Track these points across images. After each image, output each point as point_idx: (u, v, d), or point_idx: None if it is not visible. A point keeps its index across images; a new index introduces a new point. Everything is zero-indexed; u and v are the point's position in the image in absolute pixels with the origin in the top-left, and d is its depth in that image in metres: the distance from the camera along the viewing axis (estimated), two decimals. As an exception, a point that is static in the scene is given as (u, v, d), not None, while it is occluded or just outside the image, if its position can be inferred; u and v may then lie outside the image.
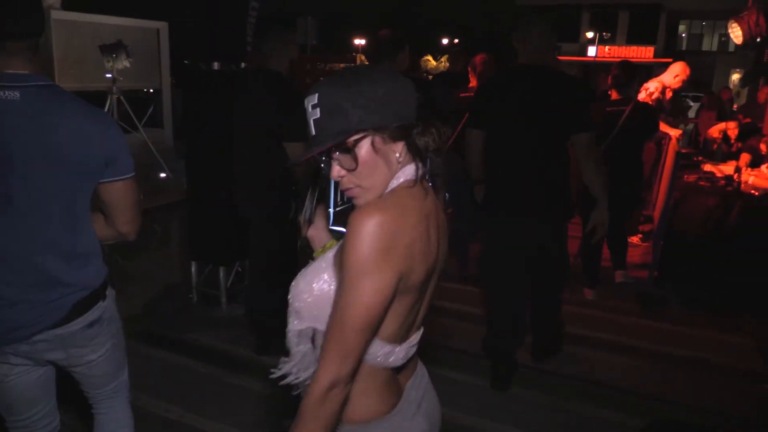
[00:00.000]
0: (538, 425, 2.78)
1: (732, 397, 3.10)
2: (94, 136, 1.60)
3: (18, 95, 1.51)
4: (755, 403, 3.08)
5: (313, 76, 10.07)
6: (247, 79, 3.17)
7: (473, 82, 4.38)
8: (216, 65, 3.58)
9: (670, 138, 5.17)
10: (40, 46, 1.62)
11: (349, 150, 1.08)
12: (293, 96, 2.87)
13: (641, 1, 29.37)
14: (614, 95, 4.15)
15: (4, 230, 1.57)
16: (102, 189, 1.67)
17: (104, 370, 1.87)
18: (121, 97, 7.17)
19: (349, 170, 1.10)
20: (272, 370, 1.25)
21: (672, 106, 5.81)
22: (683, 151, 4.73)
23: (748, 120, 6.52)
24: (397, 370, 1.23)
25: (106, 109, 7.08)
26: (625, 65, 4.18)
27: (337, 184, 1.14)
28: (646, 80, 5.70)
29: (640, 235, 5.54)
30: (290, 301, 1.21)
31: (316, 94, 1.07)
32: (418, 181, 1.12)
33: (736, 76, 26.39)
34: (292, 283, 1.22)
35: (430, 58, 26.77)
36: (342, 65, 11.06)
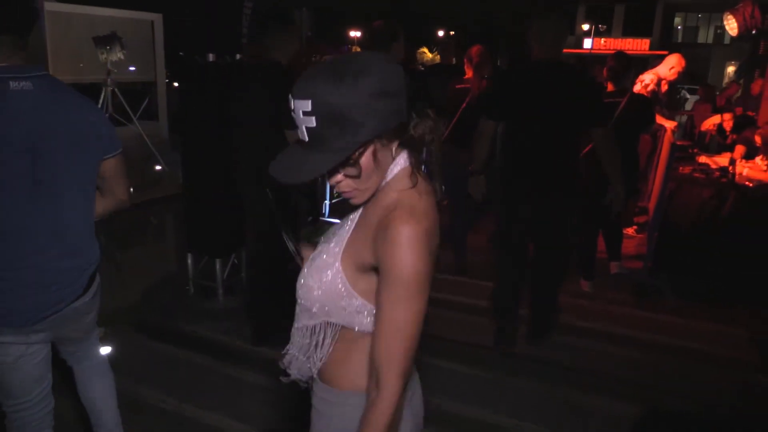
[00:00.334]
0: (534, 414, 2.80)
1: (725, 387, 3.13)
2: (95, 118, 1.79)
3: (30, 85, 1.63)
4: (748, 393, 3.11)
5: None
6: (248, 72, 3.19)
7: (469, 74, 4.37)
8: (211, 57, 3.57)
9: (665, 130, 5.18)
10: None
11: (355, 162, 1.06)
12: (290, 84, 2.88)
13: (637, -6, 29.38)
14: (610, 87, 4.15)
15: (36, 212, 1.67)
16: (104, 165, 1.84)
17: (89, 328, 2.04)
18: (116, 90, 7.13)
19: (350, 177, 1.08)
20: (285, 372, 1.30)
21: (668, 99, 5.82)
22: (678, 143, 4.73)
23: (740, 110, 6.54)
24: None
25: (100, 101, 7.05)
26: (621, 56, 4.18)
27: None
28: (642, 72, 5.71)
29: (635, 227, 5.56)
30: (299, 299, 1.22)
31: (309, 101, 0.98)
32: (414, 169, 1.12)
33: (731, 69, 26.43)
34: (299, 281, 1.22)
35: (425, 50, 26.72)
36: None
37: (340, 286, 1.14)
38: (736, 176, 4.46)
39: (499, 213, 3.44)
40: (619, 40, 30.44)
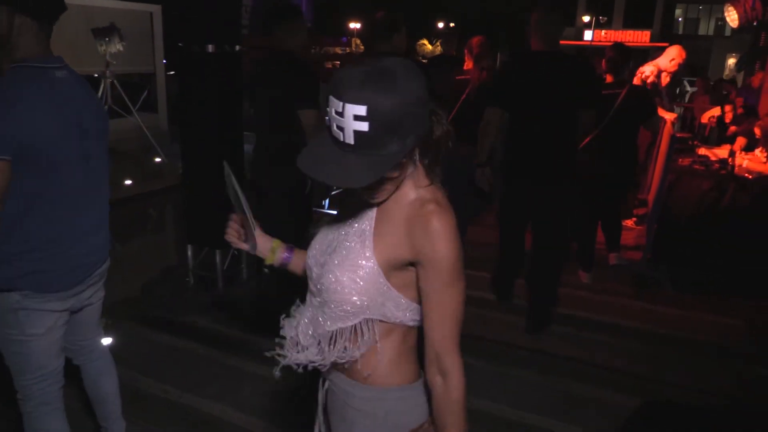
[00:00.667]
0: (534, 405, 2.82)
1: (724, 378, 3.15)
2: (99, 100, 2.05)
3: (67, 73, 1.83)
4: (747, 383, 3.13)
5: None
6: (267, 63, 3.26)
7: (469, 65, 4.37)
8: (210, 48, 3.56)
9: (665, 122, 5.18)
10: None
11: (400, 166, 1.11)
12: (305, 68, 3.13)
13: (638, -15, 29.26)
14: (609, 78, 4.15)
15: (87, 185, 1.90)
16: None
17: (99, 311, 2.18)
18: (115, 81, 7.12)
19: (391, 181, 1.13)
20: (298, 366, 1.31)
21: (669, 90, 5.81)
22: (678, 135, 4.73)
23: (740, 101, 6.53)
24: None
25: (99, 93, 7.04)
26: (619, 47, 4.17)
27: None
28: (642, 64, 5.70)
29: (634, 219, 5.57)
30: (329, 303, 1.20)
31: (365, 107, 0.99)
32: (426, 167, 1.17)
33: (732, 61, 26.36)
34: (326, 287, 1.21)
35: (425, 42, 26.62)
36: (337, 49, 10.98)
37: (380, 282, 1.17)
38: (736, 168, 4.47)
39: (500, 198, 3.59)
40: (620, 31, 30.34)
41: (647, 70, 5.42)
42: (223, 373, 3.02)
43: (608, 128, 3.98)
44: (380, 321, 1.21)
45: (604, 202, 4.28)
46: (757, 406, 2.95)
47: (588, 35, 30.58)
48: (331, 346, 1.23)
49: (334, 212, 1.33)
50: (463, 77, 4.35)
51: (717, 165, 4.59)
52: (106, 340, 3.20)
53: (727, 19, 7.11)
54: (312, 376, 1.36)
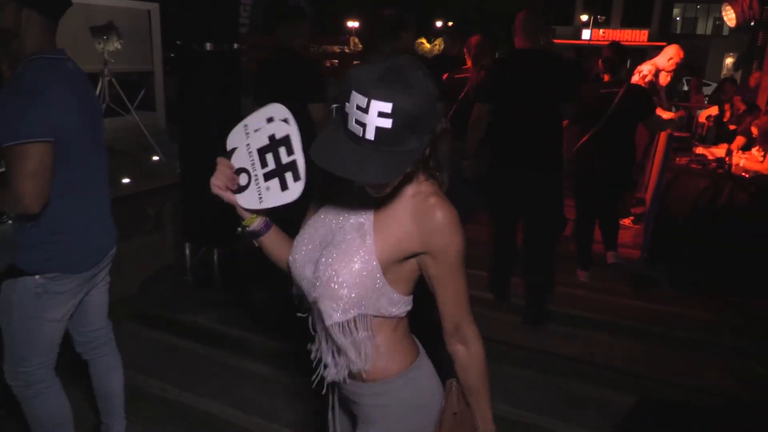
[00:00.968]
0: (532, 404, 2.82)
1: (721, 376, 3.16)
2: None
3: (73, 65, 1.90)
4: (744, 381, 3.14)
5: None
6: (272, 62, 3.39)
7: (468, 63, 4.38)
8: (209, 46, 3.55)
9: (676, 121, 5.18)
10: None
11: (414, 162, 1.13)
12: (311, 65, 3.37)
13: (636, -16, 29.27)
14: (606, 77, 4.16)
15: (100, 167, 2.01)
16: None
17: (106, 298, 2.23)
18: (113, 80, 7.10)
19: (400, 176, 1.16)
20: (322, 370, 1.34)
21: (668, 90, 5.81)
22: (675, 134, 4.74)
23: (738, 98, 6.53)
24: None
25: (97, 91, 7.02)
26: (615, 46, 4.18)
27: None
28: (640, 63, 5.71)
29: (632, 217, 5.58)
30: (323, 299, 1.21)
31: (391, 104, 1.00)
32: (422, 162, 1.20)
33: (729, 60, 26.39)
34: (324, 283, 1.20)
35: (423, 41, 26.59)
36: (336, 48, 10.95)
37: (377, 277, 1.20)
38: (733, 167, 4.48)
39: (488, 189, 3.70)
40: (618, 31, 30.35)
41: (645, 69, 5.43)
42: (222, 372, 3.02)
43: (606, 127, 3.99)
44: (374, 316, 1.24)
45: (602, 201, 4.29)
46: (756, 404, 2.96)
47: (586, 34, 30.59)
48: (340, 342, 1.24)
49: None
50: (462, 75, 4.36)
51: (714, 164, 4.60)
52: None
53: (725, 18, 7.13)
54: (310, 375, 1.36)
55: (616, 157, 4.09)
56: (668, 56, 5.40)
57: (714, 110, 6.72)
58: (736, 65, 13.95)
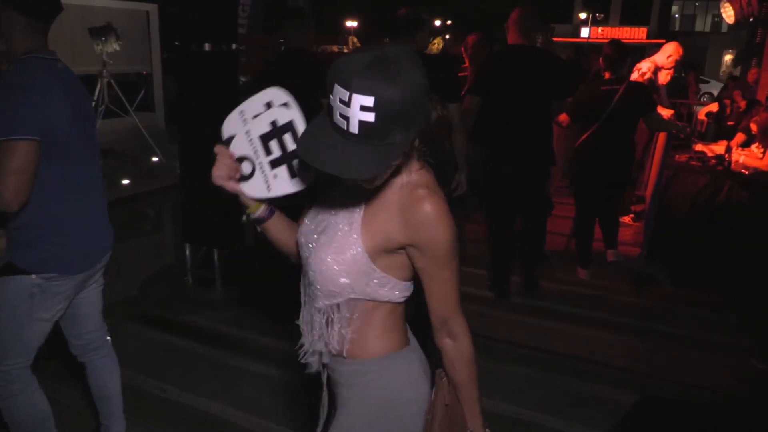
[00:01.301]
0: (532, 402, 2.82)
1: (722, 373, 3.16)
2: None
3: (64, 66, 1.91)
4: (743, 378, 3.14)
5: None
6: (280, 61, 3.49)
7: (467, 62, 4.39)
8: (207, 46, 3.55)
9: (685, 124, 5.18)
10: None
11: (401, 155, 1.11)
12: (320, 61, 3.45)
13: (634, -18, 29.24)
14: (607, 75, 4.15)
15: (94, 167, 2.01)
16: None
17: (100, 300, 2.22)
18: (112, 81, 7.10)
19: (389, 169, 1.14)
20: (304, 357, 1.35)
21: (667, 88, 5.81)
22: (674, 132, 4.74)
23: (738, 93, 6.54)
24: None
25: (96, 92, 7.02)
26: (616, 44, 4.17)
27: None
28: (639, 61, 5.70)
29: (631, 215, 5.57)
30: (313, 282, 1.25)
31: (373, 98, 0.98)
32: (417, 151, 1.20)
33: (728, 57, 26.38)
34: (310, 265, 1.25)
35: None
36: (335, 47, 10.95)
37: (364, 264, 1.20)
38: (732, 164, 4.47)
39: (483, 186, 3.78)
40: (617, 28, 30.32)
41: (644, 67, 5.43)
42: (222, 372, 3.02)
43: (606, 124, 3.98)
44: (366, 300, 1.24)
45: (602, 199, 4.29)
46: (755, 402, 2.96)
47: (585, 32, 30.56)
48: (328, 328, 1.27)
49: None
50: (462, 75, 4.36)
51: (714, 161, 4.60)
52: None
53: (724, 15, 7.13)
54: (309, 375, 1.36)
55: (616, 154, 4.09)
56: (667, 54, 5.39)
57: (714, 107, 6.73)
58: (735, 62, 13.95)
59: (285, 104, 1.25)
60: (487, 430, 1.33)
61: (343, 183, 1.24)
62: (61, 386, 2.55)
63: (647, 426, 2.78)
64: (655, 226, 4.50)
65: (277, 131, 1.25)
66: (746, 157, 4.63)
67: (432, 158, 1.25)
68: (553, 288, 4.08)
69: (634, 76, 5.40)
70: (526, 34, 3.52)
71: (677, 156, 4.78)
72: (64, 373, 2.17)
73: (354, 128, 1.01)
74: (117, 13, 7.82)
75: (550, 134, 3.73)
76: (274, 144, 1.26)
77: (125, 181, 6.49)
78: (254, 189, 1.29)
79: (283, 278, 1.43)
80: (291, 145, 1.25)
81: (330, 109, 1.03)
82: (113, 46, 6.87)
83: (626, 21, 30.72)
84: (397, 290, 1.25)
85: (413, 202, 1.16)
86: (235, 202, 1.35)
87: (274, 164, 1.26)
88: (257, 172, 1.28)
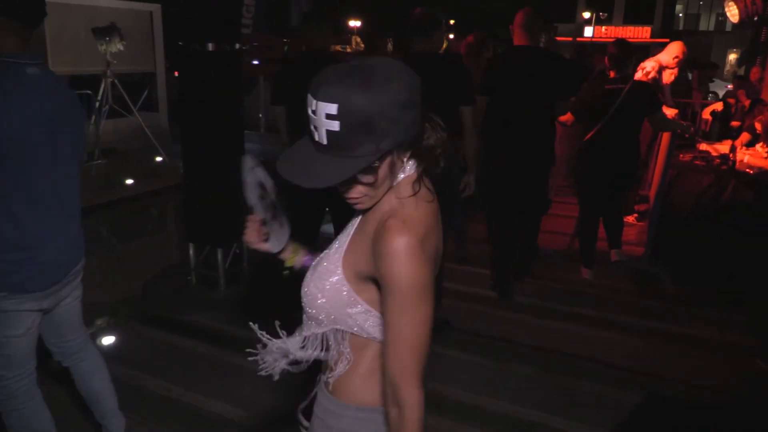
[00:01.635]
0: (534, 401, 2.82)
1: (725, 373, 3.15)
2: (79, 104, 2.02)
3: (39, 71, 1.83)
4: (747, 378, 3.13)
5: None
6: (298, 62, 3.53)
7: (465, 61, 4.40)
8: (210, 46, 3.56)
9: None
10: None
11: (374, 170, 1.03)
12: (338, 63, 3.29)
13: (638, -19, 29.17)
14: (612, 74, 4.14)
15: (58, 180, 1.89)
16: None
17: (78, 310, 2.17)
18: (116, 81, 7.11)
19: (364, 185, 1.06)
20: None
21: (671, 87, 5.79)
22: (679, 131, 4.72)
23: (742, 92, 6.51)
24: None
25: (100, 92, 7.04)
26: (621, 43, 4.16)
27: None
28: (643, 60, 5.69)
29: (635, 215, 5.56)
30: (304, 306, 1.21)
31: (336, 105, 0.95)
32: (419, 177, 1.10)
33: (733, 56, 26.30)
34: (303, 289, 1.20)
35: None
36: (338, 47, 10.95)
37: (344, 293, 1.13)
38: (737, 163, 4.46)
39: (485, 184, 3.78)
40: (620, 28, 30.25)
41: (648, 66, 5.41)
42: (224, 371, 3.02)
43: (611, 123, 3.97)
44: (353, 334, 1.17)
45: (606, 198, 4.28)
46: (758, 402, 2.95)
47: (588, 31, 30.51)
48: (311, 350, 1.23)
49: None
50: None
51: (718, 160, 4.58)
52: (108, 339, 3.23)
53: (728, 14, 7.09)
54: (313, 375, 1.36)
55: (620, 153, 4.08)
56: (672, 53, 5.37)
57: (718, 106, 6.70)
58: (739, 61, 13.89)
59: (252, 168, 1.36)
60: None
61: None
62: (62, 386, 2.55)
63: (649, 425, 2.77)
64: (659, 226, 4.48)
65: (262, 191, 1.37)
66: (751, 156, 4.61)
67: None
68: (556, 287, 4.08)
69: (639, 75, 5.38)
70: (531, 36, 3.62)
71: (681, 155, 4.76)
72: (64, 372, 2.17)
73: (323, 138, 0.98)
74: (121, 13, 7.84)
75: (553, 134, 3.79)
76: (265, 202, 1.38)
77: (129, 181, 6.51)
78: (273, 245, 1.41)
79: (286, 278, 1.43)
80: (269, 200, 1.37)
81: (307, 120, 1.02)
82: (117, 46, 6.88)
83: (630, 20, 30.65)
84: (383, 327, 1.11)
85: (382, 230, 1.04)
86: (237, 202, 1.39)
87: (272, 219, 1.39)
88: (270, 230, 1.40)
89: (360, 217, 1.18)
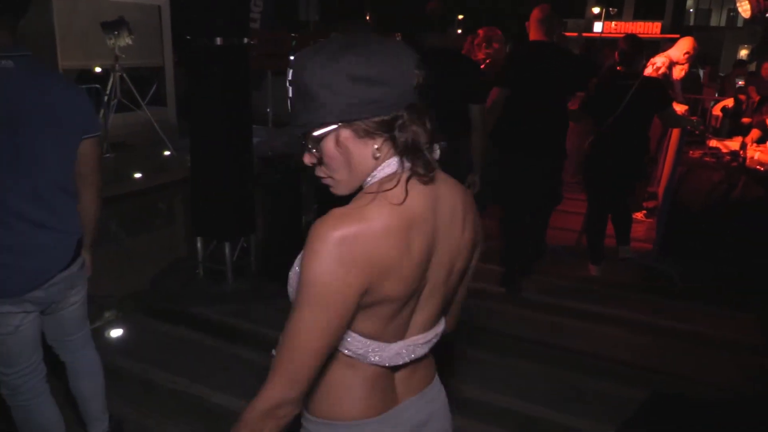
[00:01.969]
0: (541, 397, 2.82)
1: (732, 371, 3.13)
2: (75, 97, 1.88)
3: (12, 63, 1.71)
4: (755, 376, 3.11)
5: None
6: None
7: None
8: (218, 41, 3.55)
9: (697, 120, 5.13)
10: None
11: (316, 142, 0.97)
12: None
13: (649, -24, 28.96)
14: (622, 69, 4.11)
15: (18, 182, 1.74)
16: (82, 146, 1.91)
17: (80, 313, 2.10)
18: (124, 75, 7.14)
19: (317, 161, 1.00)
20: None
21: (682, 83, 5.75)
22: (689, 128, 4.69)
23: (753, 89, 6.45)
24: (393, 376, 1.11)
25: (109, 87, 7.06)
26: (631, 39, 4.12)
27: None
28: (654, 55, 5.64)
29: (644, 211, 5.53)
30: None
31: (291, 70, 0.95)
32: (398, 176, 0.98)
33: (744, 52, 26.07)
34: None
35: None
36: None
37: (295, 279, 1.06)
38: (747, 160, 4.42)
39: (503, 171, 3.81)
40: (630, 23, 30.05)
41: (659, 62, 5.37)
42: (231, 364, 3.03)
43: (620, 119, 3.94)
44: None
45: (615, 195, 4.26)
46: (763, 400, 2.93)
47: (598, 27, 30.30)
48: None
49: None
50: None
51: (728, 157, 4.55)
52: (116, 332, 3.25)
53: (739, 9, 7.01)
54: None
55: (629, 149, 4.05)
56: (682, 49, 5.33)
57: (729, 102, 6.65)
58: (750, 57, 13.77)
59: None
60: None
61: None
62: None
63: (655, 422, 2.76)
64: (668, 223, 4.46)
65: None
66: (761, 153, 4.57)
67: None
68: (564, 284, 4.07)
69: (649, 71, 5.34)
70: (548, 31, 3.65)
71: (691, 152, 4.73)
72: (57, 375, 2.17)
73: (290, 107, 0.99)
74: (129, 8, 7.85)
75: (566, 128, 3.83)
76: None
77: (137, 175, 6.53)
78: None
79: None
80: None
81: None
82: (125, 40, 6.90)
83: (640, 15, 30.45)
84: (348, 339, 1.01)
85: None
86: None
87: None
88: None
89: None
